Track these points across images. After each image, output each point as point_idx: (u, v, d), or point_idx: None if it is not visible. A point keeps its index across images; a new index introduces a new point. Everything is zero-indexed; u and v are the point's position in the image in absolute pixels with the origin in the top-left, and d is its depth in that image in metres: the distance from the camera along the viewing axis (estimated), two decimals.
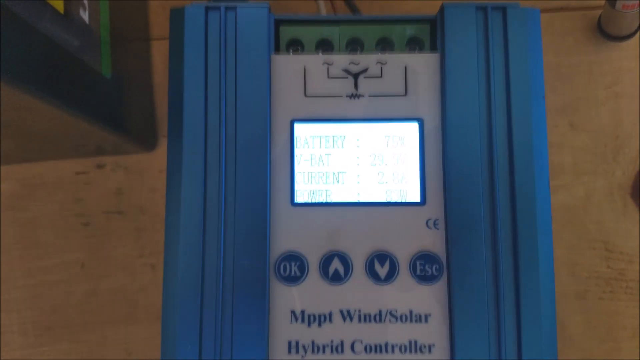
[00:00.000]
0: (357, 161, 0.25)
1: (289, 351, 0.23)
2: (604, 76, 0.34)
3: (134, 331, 0.33)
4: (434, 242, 0.24)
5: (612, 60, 0.34)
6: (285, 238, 0.24)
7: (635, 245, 0.33)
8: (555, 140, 0.34)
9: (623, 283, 0.33)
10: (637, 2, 0.31)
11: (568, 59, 0.34)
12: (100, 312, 0.33)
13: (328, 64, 0.25)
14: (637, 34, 0.34)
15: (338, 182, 0.25)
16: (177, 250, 0.23)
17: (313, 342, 0.23)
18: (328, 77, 0.25)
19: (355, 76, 0.25)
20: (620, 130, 0.34)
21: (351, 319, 0.24)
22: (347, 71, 0.25)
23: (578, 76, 0.34)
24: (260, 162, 0.24)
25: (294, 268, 0.24)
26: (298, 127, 0.25)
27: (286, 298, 0.24)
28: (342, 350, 0.23)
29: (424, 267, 0.24)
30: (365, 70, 0.25)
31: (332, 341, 0.23)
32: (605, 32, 0.34)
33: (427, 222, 0.24)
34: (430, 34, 0.26)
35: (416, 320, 0.23)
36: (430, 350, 0.23)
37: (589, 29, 0.34)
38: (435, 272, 0.24)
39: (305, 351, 0.23)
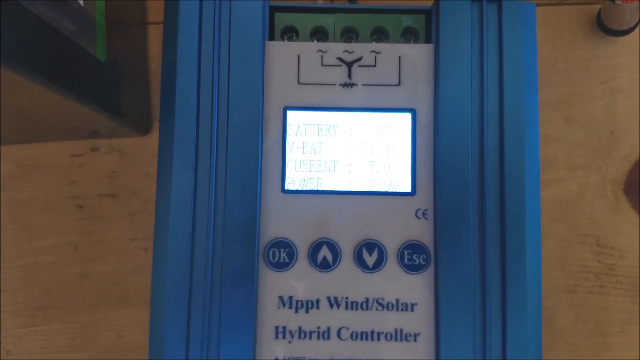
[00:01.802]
0: (349, 150, 0.25)
1: (276, 336, 0.23)
2: (600, 71, 0.34)
3: (125, 314, 0.33)
4: (422, 232, 0.24)
5: (609, 55, 0.34)
6: (275, 225, 0.24)
7: (626, 241, 0.33)
8: (550, 135, 0.34)
9: (613, 278, 0.33)
10: None
11: (565, 54, 0.34)
12: (93, 294, 0.33)
13: (322, 52, 0.25)
14: (637, 29, 0.34)
15: (329, 170, 0.25)
16: (167, 235, 0.23)
17: (300, 328, 0.24)
18: (322, 65, 0.25)
19: (349, 65, 0.25)
20: (615, 126, 0.34)
21: (338, 306, 0.24)
22: (341, 59, 0.25)
23: (574, 71, 0.34)
24: (252, 149, 0.24)
25: (283, 254, 0.24)
26: (291, 114, 0.25)
27: (274, 284, 0.24)
28: (329, 337, 0.24)
29: (412, 257, 0.24)
30: (359, 59, 0.25)
31: (318, 327, 0.24)
32: (605, 26, 0.34)
33: (416, 212, 0.24)
34: (425, 25, 0.26)
35: (402, 309, 0.24)
36: (415, 339, 0.24)
37: (586, 24, 0.34)
38: (422, 262, 0.24)
39: (292, 336, 0.23)
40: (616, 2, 0.31)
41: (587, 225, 0.33)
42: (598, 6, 0.34)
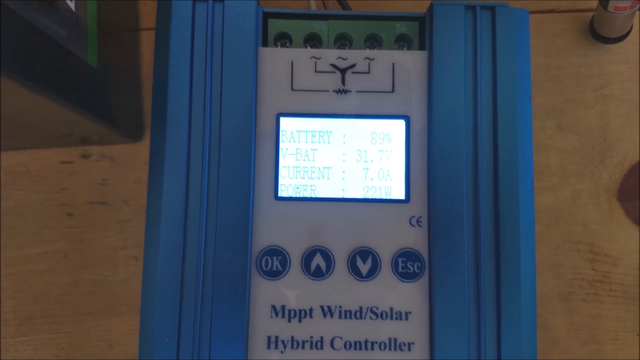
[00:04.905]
0: (343, 157, 0.25)
1: (268, 346, 0.23)
2: (592, 79, 0.34)
3: (115, 323, 0.32)
4: (416, 239, 0.24)
5: (601, 63, 0.34)
6: (267, 232, 0.24)
7: (620, 248, 0.33)
8: (543, 142, 0.34)
9: (607, 285, 0.33)
10: (629, 4, 0.31)
11: (557, 61, 0.34)
12: (82, 303, 0.33)
13: (316, 59, 0.25)
14: (629, 36, 0.34)
15: (323, 177, 0.25)
16: (158, 243, 0.23)
17: (292, 338, 0.23)
18: (315, 71, 0.25)
19: (343, 71, 0.25)
20: (608, 133, 0.34)
21: (332, 315, 0.23)
22: (334, 66, 0.25)
23: (567, 78, 0.34)
24: (245, 156, 0.24)
25: (275, 263, 0.24)
26: (284, 121, 0.25)
27: (267, 293, 0.23)
28: (322, 347, 0.23)
29: (406, 265, 0.24)
30: (353, 65, 0.25)
31: (311, 337, 0.23)
32: (597, 33, 0.34)
33: (410, 220, 0.24)
34: (419, 32, 0.26)
35: (397, 318, 0.23)
36: (409, 348, 0.23)
37: (579, 32, 0.34)
38: (417, 270, 0.24)
39: (285, 347, 0.23)
40: (608, 9, 0.31)
41: (581, 233, 0.33)
42: (590, 14, 0.34)
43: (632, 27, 0.34)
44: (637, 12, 0.33)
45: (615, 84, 0.34)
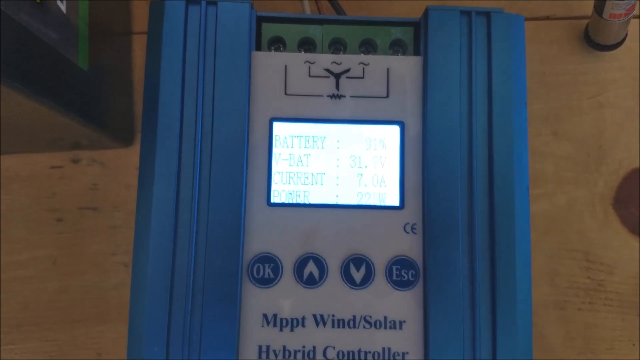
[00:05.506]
0: (337, 163, 0.25)
1: (259, 356, 0.23)
2: (588, 86, 0.34)
3: (105, 331, 0.32)
4: (411, 247, 0.24)
5: (596, 70, 0.34)
6: (259, 239, 0.24)
7: (616, 256, 0.33)
8: (538, 149, 0.33)
9: (602, 294, 0.33)
10: (624, 11, 0.31)
11: (553, 68, 0.34)
12: (71, 310, 0.32)
13: (310, 63, 0.25)
14: (624, 44, 0.34)
15: (316, 183, 0.24)
16: (147, 248, 0.23)
17: (284, 347, 0.23)
18: (309, 76, 0.25)
19: (337, 76, 0.25)
20: (603, 140, 0.34)
21: (324, 324, 0.23)
22: (328, 71, 0.25)
23: (562, 85, 0.34)
24: (237, 161, 0.24)
25: (267, 270, 0.23)
26: (277, 126, 0.24)
27: (258, 301, 0.23)
28: (314, 356, 0.23)
29: (400, 273, 0.23)
30: (347, 70, 0.25)
31: (304, 346, 0.23)
32: (592, 41, 0.34)
33: (404, 227, 0.24)
34: (414, 38, 0.26)
35: (390, 327, 0.23)
36: (403, 358, 0.23)
37: (574, 39, 0.34)
38: (411, 278, 0.23)
39: (276, 356, 0.23)
40: (604, 17, 0.31)
41: (576, 240, 0.33)
42: (586, 21, 0.34)
43: (627, 35, 0.34)
44: (632, 20, 0.33)
45: (611, 91, 0.34)
